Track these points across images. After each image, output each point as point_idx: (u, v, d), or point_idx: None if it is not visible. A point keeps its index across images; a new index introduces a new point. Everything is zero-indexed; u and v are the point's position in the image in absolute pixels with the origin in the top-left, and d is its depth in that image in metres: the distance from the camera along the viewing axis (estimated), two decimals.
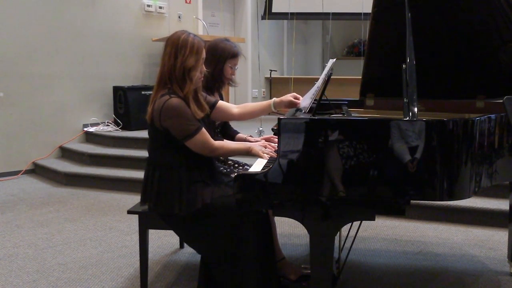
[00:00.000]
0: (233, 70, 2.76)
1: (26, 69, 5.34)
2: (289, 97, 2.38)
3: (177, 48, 2.15)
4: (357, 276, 2.74)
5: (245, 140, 2.80)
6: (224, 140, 2.61)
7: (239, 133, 2.93)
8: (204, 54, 2.22)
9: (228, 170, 2.59)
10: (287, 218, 2.15)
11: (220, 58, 2.68)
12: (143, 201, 2.31)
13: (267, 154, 2.28)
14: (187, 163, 2.18)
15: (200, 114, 2.20)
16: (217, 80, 2.74)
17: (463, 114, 2.74)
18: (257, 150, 2.29)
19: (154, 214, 2.31)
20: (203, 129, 2.17)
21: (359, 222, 2.67)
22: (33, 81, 5.41)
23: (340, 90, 6.26)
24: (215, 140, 2.24)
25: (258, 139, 2.71)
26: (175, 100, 2.12)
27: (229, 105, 2.48)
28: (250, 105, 2.53)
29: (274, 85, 8.35)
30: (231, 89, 7.66)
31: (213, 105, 2.39)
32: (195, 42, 2.17)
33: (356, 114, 2.92)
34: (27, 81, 5.36)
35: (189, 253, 3.07)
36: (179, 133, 2.14)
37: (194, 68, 2.17)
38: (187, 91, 2.17)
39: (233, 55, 2.71)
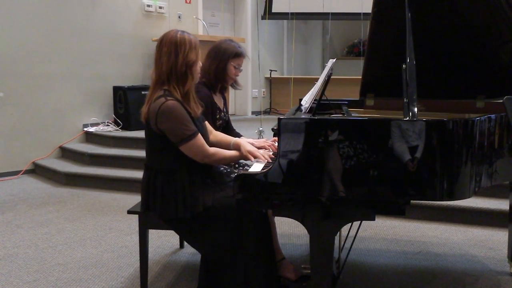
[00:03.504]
0: (237, 70, 2.75)
1: (26, 69, 5.33)
2: (248, 148, 2.32)
3: (176, 46, 2.16)
4: (357, 276, 2.74)
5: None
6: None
7: (242, 136, 2.85)
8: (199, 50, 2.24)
9: (228, 170, 2.59)
10: (287, 218, 2.15)
11: (223, 57, 2.68)
12: (145, 207, 2.30)
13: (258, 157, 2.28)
14: (187, 166, 2.18)
15: (197, 112, 2.23)
16: (220, 79, 2.72)
17: (463, 114, 2.74)
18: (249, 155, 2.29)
19: (157, 218, 2.30)
20: (199, 135, 2.16)
21: (359, 222, 2.66)
22: (33, 81, 5.40)
23: (340, 90, 6.24)
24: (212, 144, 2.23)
25: (260, 141, 2.64)
26: (171, 103, 2.11)
27: (210, 129, 2.48)
28: (220, 136, 2.54)
29: (274, 85, 8.35)
30: (231, 89, 7.64)
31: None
32: (191, 39, 2.21)
33: (356, 114, 2.92)
34: (27, 81, 5.36)
35: (189, 253, 3.07)
36: (174, 137, 2.13)
37: (195, 63, 2.21)
38: (189, 87, 2.19)
39: (236, 55, 2.71)
